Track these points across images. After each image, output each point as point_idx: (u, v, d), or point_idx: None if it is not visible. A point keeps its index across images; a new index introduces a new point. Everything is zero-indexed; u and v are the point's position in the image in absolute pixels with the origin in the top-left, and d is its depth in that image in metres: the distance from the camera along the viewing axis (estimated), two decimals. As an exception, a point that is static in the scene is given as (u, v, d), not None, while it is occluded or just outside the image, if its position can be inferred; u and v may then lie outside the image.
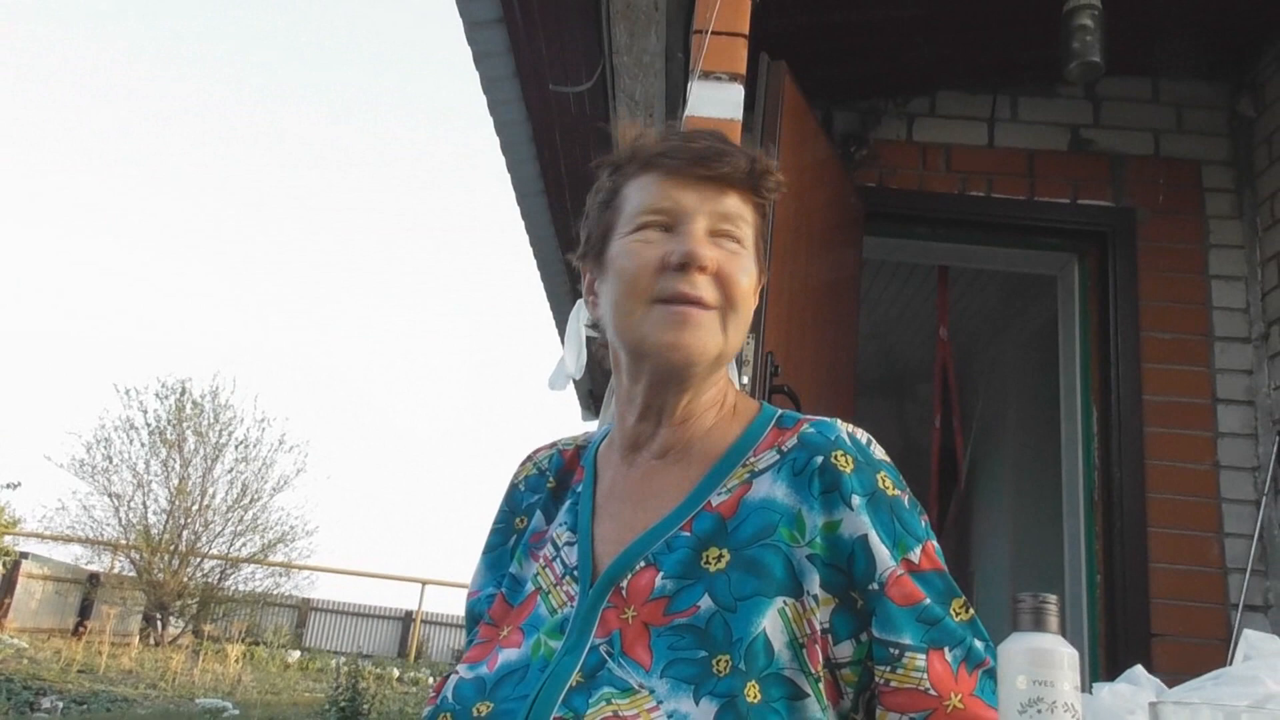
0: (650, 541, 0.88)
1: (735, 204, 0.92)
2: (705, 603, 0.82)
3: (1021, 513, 4.77)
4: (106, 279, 31.81)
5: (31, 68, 31.95)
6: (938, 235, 3.45)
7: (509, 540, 1.01)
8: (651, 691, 0.78)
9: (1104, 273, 3.27)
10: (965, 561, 5.46)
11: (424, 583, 17.61)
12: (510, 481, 1.06)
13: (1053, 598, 0.80)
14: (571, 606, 0.88)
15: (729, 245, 0.91)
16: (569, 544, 0.93)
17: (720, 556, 0.84)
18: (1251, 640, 1.16)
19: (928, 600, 0.83)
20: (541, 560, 0.94)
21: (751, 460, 0.90)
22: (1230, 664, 1.19)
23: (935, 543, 0.88)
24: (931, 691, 0.80)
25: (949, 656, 0.81)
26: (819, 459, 0.87)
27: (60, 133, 32.65)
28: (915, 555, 0.85)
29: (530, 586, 0.93)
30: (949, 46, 3.23)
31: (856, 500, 0.85)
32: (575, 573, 0.90)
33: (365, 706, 7.85)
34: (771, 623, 0.80)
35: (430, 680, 12.38)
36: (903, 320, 5.30)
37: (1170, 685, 1.21)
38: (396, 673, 12.72)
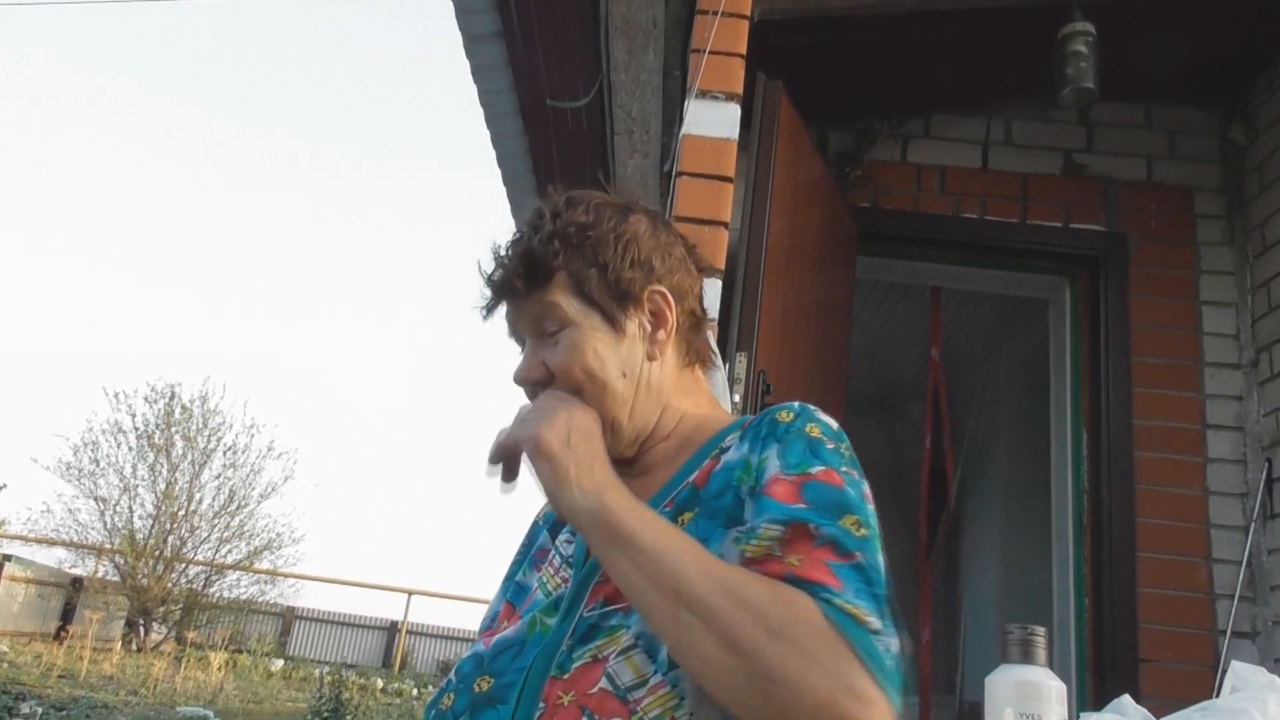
0: None
1: (534, 306, 0.97)
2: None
3: (1011, 535, 4.77)
4: (97, 283, 31.72)
5: (27, 79, 31.92)
6: (931, 256, 3.46)
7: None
8: (627, 628, 0.81)
9: (1095, 297, 3.28)
10: (954, 583, 5.46)
11: (410, 593, 17.53)
12: (533, 519, 1.11)
13: (1041, 630, 0.80)
14: (566, 588, 0.92)
15: (556, 338, 0.96)
16: (567, 542, 0.99)
17: (693, 517, 0.88)
18: (1239, 672, 1.16)
19: (805, 505, 0.80)
20: (546, 566, 0.99)
21: (723, 446, 0.94)
22: (1217, 694, 1.19)
23: (854, 484, 0.84)
24: (776, 552, 0.77)
25: (812, 529, 0.77)
26: (768, 415, 0.91)
27: (53, 141, 32.61)
28: (815, 470, 0.83)
29: (534, 585, 0.98)
30: (944, 69, 3.25)
31: (781, 434, 0.88)
32: (571, 560, 0.95)
33: (348, 717, 7.81)
34: (727, 550, 0.82)
35: (414, 691, 12.31)
36: (895, 340, 5.32)
37: (1157, 713, 1.21)
38: (380, 683, 12.64)
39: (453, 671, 0.93)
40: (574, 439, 0.85)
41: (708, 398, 1.05)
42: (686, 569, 0.75)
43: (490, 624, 1.00)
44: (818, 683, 0.67)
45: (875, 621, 0.71)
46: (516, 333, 1.01)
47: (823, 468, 0.83)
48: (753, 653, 0.69)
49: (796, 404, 0.92)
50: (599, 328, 0.96)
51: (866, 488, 0.87)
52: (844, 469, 0.85)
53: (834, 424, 0.91)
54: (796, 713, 0.68)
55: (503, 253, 1.01)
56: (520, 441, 0.86)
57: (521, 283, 0.97)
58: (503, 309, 1.02)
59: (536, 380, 0.96)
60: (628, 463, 0.99)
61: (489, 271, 1.01)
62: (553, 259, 0.96)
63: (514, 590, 1.01)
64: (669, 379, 1.00)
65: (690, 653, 0.73)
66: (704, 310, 1.06)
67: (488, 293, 1.01)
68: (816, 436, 0.87)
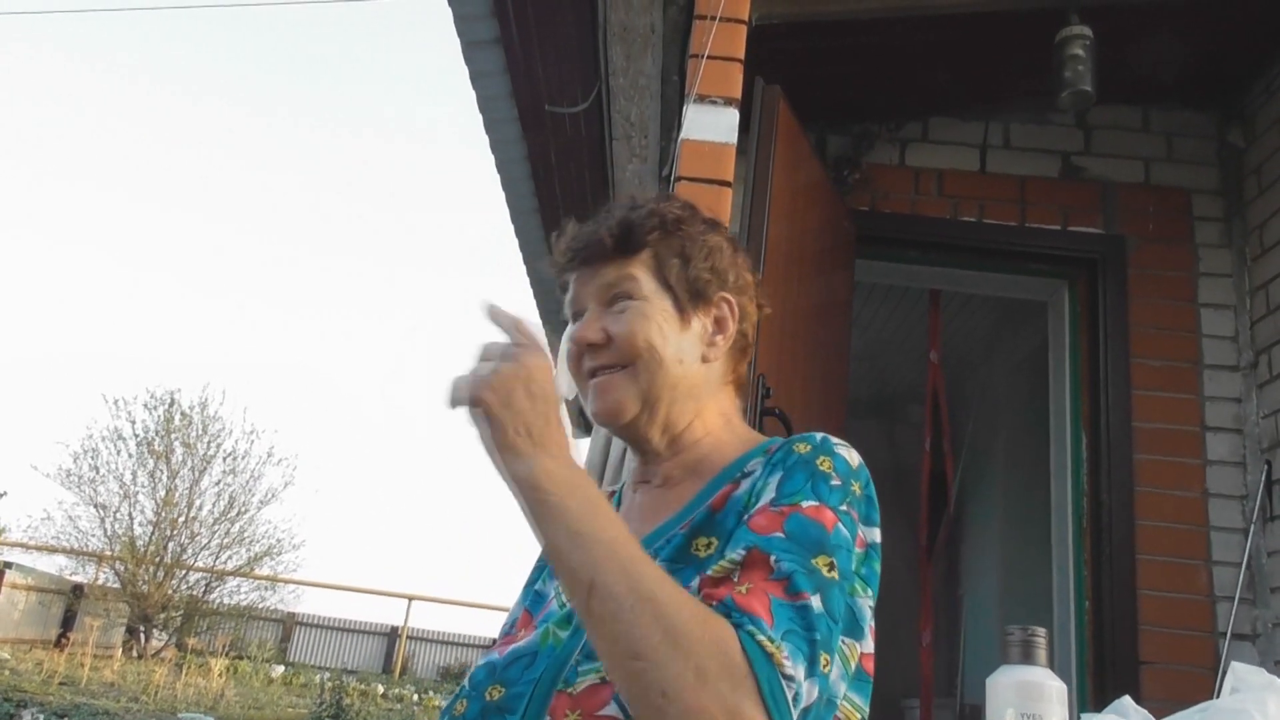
0: (653, 541, 0.92)
1: (613, 272, 0.99)
2: (694, 584, 0.83)
3: (1011, 538, 4.77)
4: (97, 290, 31.72)
5: (28, 85, 31.95)
6: (929, 259, 3.46)
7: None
8: None
9: (1094, 299, 3.28)
10: (954, 585, 5.46)
11: (410, 598, 17.50)
12: None
13: (1041, 631, 0.80)
14: None
15: (621, 305, 0.99)
16: None
17: (710, 544, 0.87)
18: (1239, 673, 1.16)
19: (782, 535, 0.79)
20: None
21: (744, 472, 0.94)
22: (1217, 696, 1.19)
23: (850, 524, 0.84)
24: (734, 577, 0.77)
25: (772, 560, 0.77)
26: (787, 444, 0.92)
27: (53, 148, 32.63)
28: (806, 504, 0.83)
29: (551, 593, 0.99)
30: (942, 73, 3.26)
31: (791, 464, 0.88)
32: None
33: (349, 723, 7.78)
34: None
35: (415, 697, 12.30)
36: (894, 343, 5.32)
37: (1158, 715, 1.21)
38: (381, 689, 12.61)
39: (467, 678, 0.94)
40: (517, 397, 0.77)
41: (738, 420, 1.05)
42: (605, 562, 0.72)
43: (509, 631, 1.01)
44: (708, 705, 0.67)
45: (789, 665, 0.70)
46: (578, 300, 1.02)
47: (815, 503, 0.83)
48: (653, 663, 0.68)
49: (818, 436, 0.92)
50: (668, 311, 0.99)
51: (867, 533, 0.86)
52: (843, 507, 0.84)
53: (854, 460, 0.90)
54: None
55: (586, 226, 1.03)
56: (459, 400, 0.79)
57: (612, 242, 0.99)
58: (566, 273, 1.04)
59: (591, 342, 0.97)
60: (648, 468, 1.01)
61: (573, 234, 1.03)
62: (647, 234, 1.00)
63: (532, 598, 1.02)
64: (711, 388, 1.02)
65: (597, 645, 0.73)
66: (751, 342, 1.08)
67: (566, 253, 1.03)
68: (825, 470, 0.87)
